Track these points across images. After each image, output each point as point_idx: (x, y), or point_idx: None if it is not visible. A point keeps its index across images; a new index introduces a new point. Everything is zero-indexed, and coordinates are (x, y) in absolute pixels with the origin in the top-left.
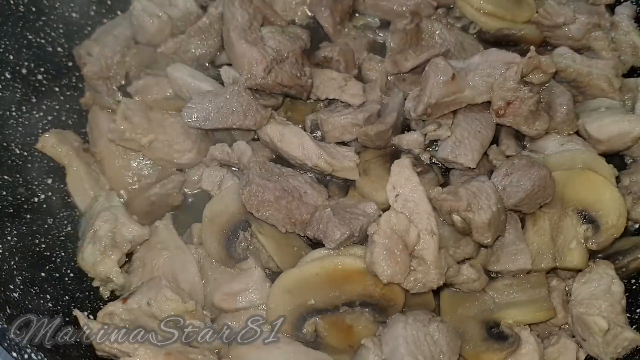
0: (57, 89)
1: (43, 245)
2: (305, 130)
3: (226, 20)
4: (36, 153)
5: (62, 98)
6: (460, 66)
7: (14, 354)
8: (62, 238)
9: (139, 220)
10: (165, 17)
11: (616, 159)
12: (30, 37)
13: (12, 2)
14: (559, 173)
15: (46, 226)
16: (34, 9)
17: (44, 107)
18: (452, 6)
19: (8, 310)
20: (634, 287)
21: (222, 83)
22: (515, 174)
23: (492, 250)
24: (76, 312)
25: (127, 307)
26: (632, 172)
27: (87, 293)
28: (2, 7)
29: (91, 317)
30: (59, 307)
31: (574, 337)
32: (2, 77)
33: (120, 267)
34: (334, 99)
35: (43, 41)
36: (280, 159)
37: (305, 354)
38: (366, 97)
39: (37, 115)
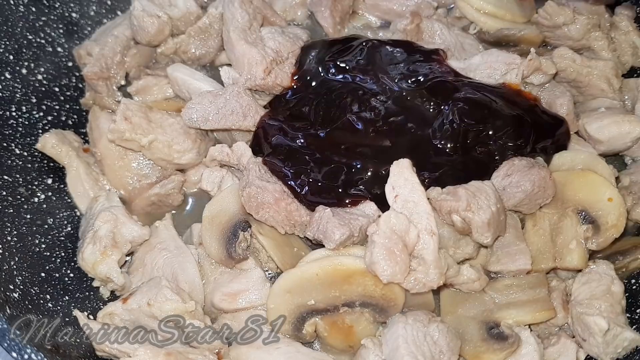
0: (57, 89)
1: (43, 245)
2: None
3: (226, 21)
4: (36, 153)
5: (62, 98)
6: (460, 66)
7: (14, 354)
8: (62, 238)
9: (139, 220)
10: (165, 17)
11: (616, 159)
12: (30, 37)
13: (12, 2)
14: (559, 173)
15: (46, 226)
16: (34, 9)
17: (44, 107)
18: (452, 6)
19: (8, 311)
20: (634, 287)
21: (222, 83)
22: (515, 174)
23: (492, 251)
24: (76, 312)
25: (127, 307)
26: (632, 172)
27: (87, 293)
28: (2, 7)
29: (91, 317)
30: (58, 307)
31: (574, 337)
32: (2, 77)
33: (120, 267)
34: None
35: (43, 41)
36: None
37: (305, 354)
38: None
39: (37, 115)
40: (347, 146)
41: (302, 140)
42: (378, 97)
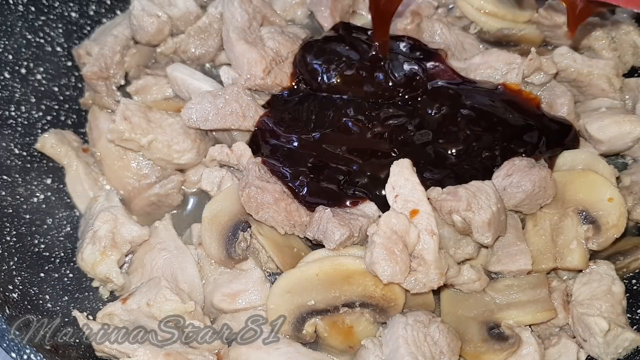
0: (56, 89)
1: (42, 246)
2: None
3: (226, 20)
4: (35, 153)
5: (61, 98)
6: (460, 66)
7: (14, 355)
8: (62, 238)
9: (138, 220)
10: (165, 17)
11: (617, 159)
12: (29, 37)
13: (11, 2)
14: (559, 173)
15: (45, 226)
16: (33, 8)
17: (43, 107)
18: (452, 6)
19: (7, 311)
20: (635, 287)
21: (221, 83)
22: (516, 174)
23: (492, 251)
24: (75, 313)
25: (127, 308)
26: (632, 172)
27: (86, 293)
28: (1, 7)
29: (90, 317)
30: (58, 308)
31: (574, 337)
32: (2, 77)
33: (120, 268)
34: None
35: (42, 41)
36: None
37: (305, 354)
38: None
39: (36, 115)
40: (344, 148)
41: (296, 143)
42: (375, 98)
